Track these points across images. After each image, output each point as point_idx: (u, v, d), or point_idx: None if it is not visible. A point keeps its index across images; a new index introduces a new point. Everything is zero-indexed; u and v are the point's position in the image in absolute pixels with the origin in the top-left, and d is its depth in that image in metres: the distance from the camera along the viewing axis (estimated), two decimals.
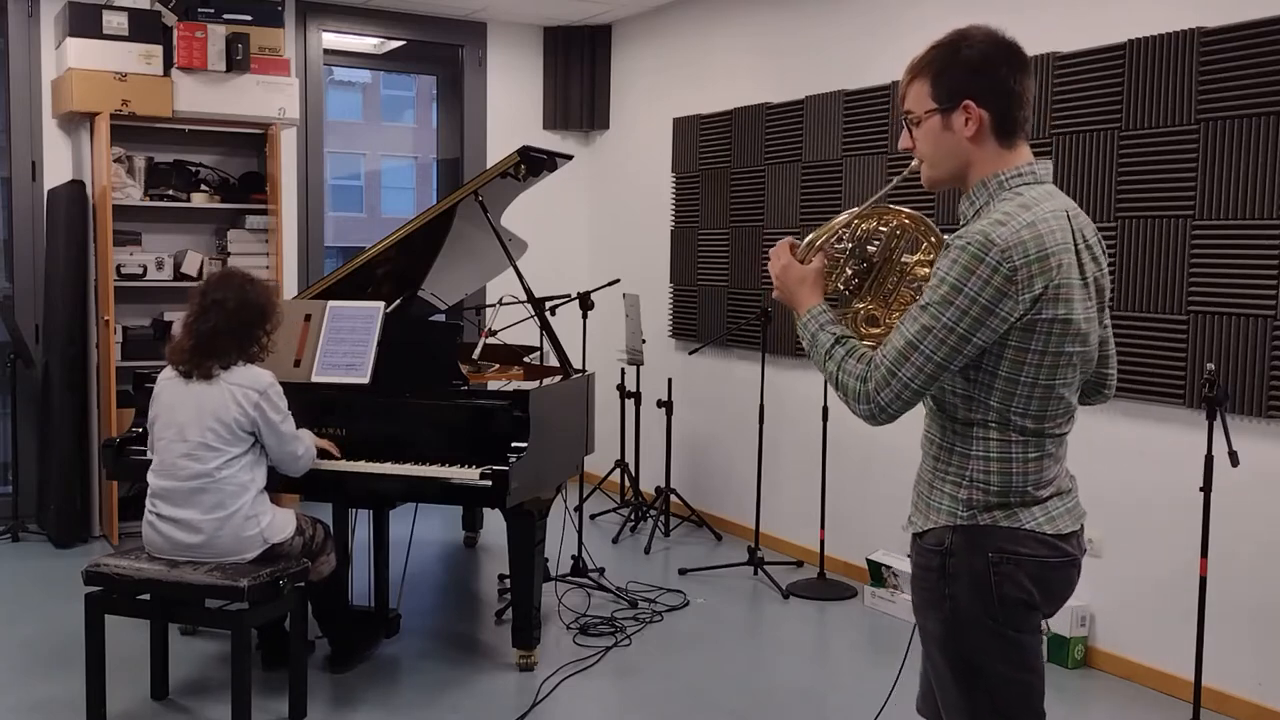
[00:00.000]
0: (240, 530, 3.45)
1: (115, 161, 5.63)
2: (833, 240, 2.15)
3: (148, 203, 5.78)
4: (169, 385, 3.53)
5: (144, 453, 3.99)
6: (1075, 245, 1.96)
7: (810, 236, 2.15)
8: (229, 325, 3.49)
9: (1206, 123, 3.79)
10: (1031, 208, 1.93)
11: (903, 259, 2.16)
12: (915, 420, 2.28)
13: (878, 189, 5.04)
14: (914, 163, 2.10)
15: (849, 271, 2.17)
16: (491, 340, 4.80)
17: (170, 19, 5.62)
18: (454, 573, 5.40)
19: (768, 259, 6.10)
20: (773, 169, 5.67)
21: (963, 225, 2.01)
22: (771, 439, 5.55)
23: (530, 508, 3.97)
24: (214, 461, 3.42)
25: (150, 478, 3.53)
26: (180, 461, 3.44)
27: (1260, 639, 3.73)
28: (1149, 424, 3.97)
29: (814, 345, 2.07)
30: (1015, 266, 1.87)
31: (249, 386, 3.46)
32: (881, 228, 2.16)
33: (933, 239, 2.14)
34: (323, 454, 3.81)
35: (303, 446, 3.62)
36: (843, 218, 2.15)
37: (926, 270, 2.15)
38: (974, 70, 1.98)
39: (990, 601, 1.97)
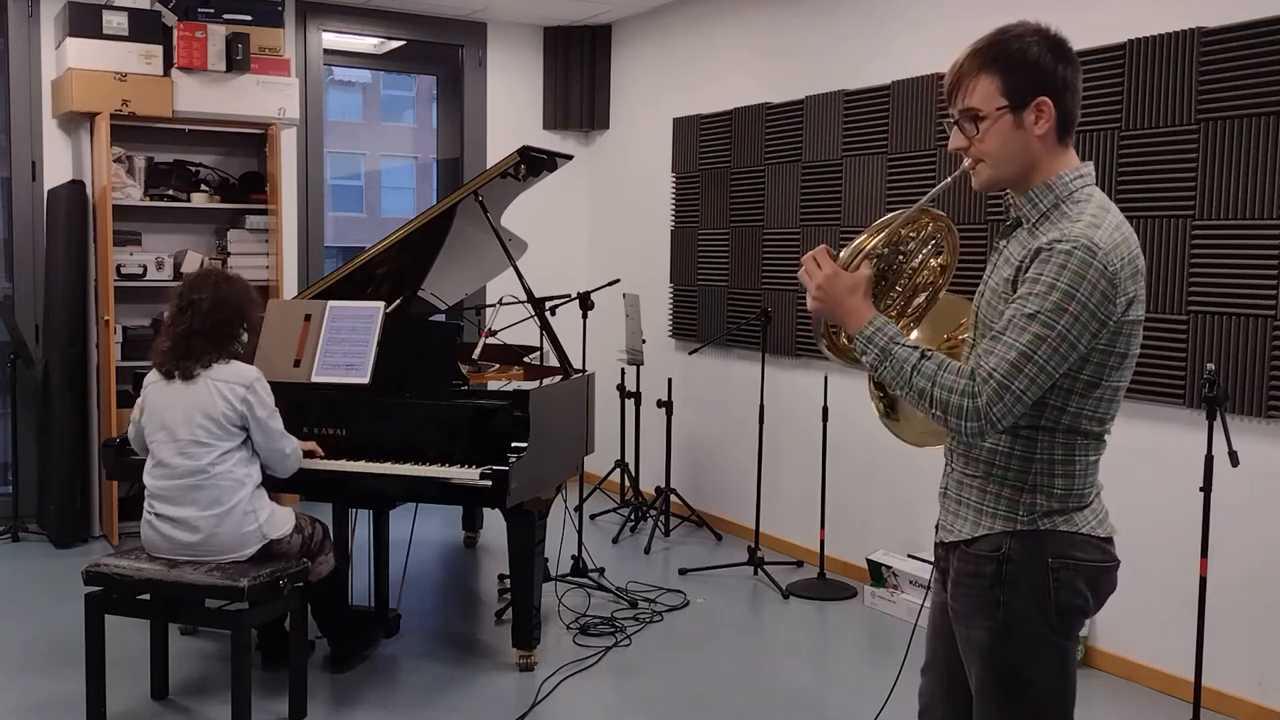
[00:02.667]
0: (239, 526, 3.45)
1: (115, 161, 5.62)
2: (876, 249, 2.05)
3: (148, 203, 5.78)
4: (155, 388, 3.54)
5: None
6: None
7: (858, 241, 2.03)
8: (204, 325, 3.50)
9: (1206, 123, 3.79)
10: (1109, 210, 1.91)
11: (919, 267, 2.11)
12: None
13: (878, 189, 5.04)
14: (966, 163, 2.01)
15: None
16: (491, 340, 4.80)
17: (170, 19, 5.62)
18: (454, 573, 5.40)
19: (768, 258, 6.05)
20: (773, 169, 5.67)
21: (1027, 228, 1.98)
22: (771, 439, 5.54)
23: (530, 508, 3.97)
24: (207, 457, 3.43)
25: (146, 478, 3.54)
26: (174, 460, 3.45)
27: (1260, 639, 3.73)
28: (1149, 424, 3.97)
29: (888, 359, 1.94)
30: (1116, 270, 1.84)
31: (235, 382, 3.46)
32: (912, 234, 2.10)
33: (950, 241, 2.11)
34: (311, 455, 3.81)
35: (290, 445, 3.62)
36: (881, 236, 2.05)
37: (929, 275, 2.12)
38: (1045, 67, 1.92)
39: (1048, 609, 1.93)
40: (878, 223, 2.07)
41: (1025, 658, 1.96)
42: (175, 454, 3.45)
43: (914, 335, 2.15)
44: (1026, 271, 1.88)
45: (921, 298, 2.16)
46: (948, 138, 2.05)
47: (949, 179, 2.10)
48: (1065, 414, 1.92)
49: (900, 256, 2.11)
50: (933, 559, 2.16)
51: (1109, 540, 2.00)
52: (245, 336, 3.63)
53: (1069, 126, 1.97)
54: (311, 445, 3.83)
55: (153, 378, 3.57)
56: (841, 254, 2.04)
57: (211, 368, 3.47)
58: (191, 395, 3.45)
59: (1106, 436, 1.99)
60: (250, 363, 3.62)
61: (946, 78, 2.02)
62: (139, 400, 3.60)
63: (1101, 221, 1.88)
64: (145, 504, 3.53)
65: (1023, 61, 1.92)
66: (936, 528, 2.14)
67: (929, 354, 1.93)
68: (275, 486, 3.72)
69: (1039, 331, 1.83)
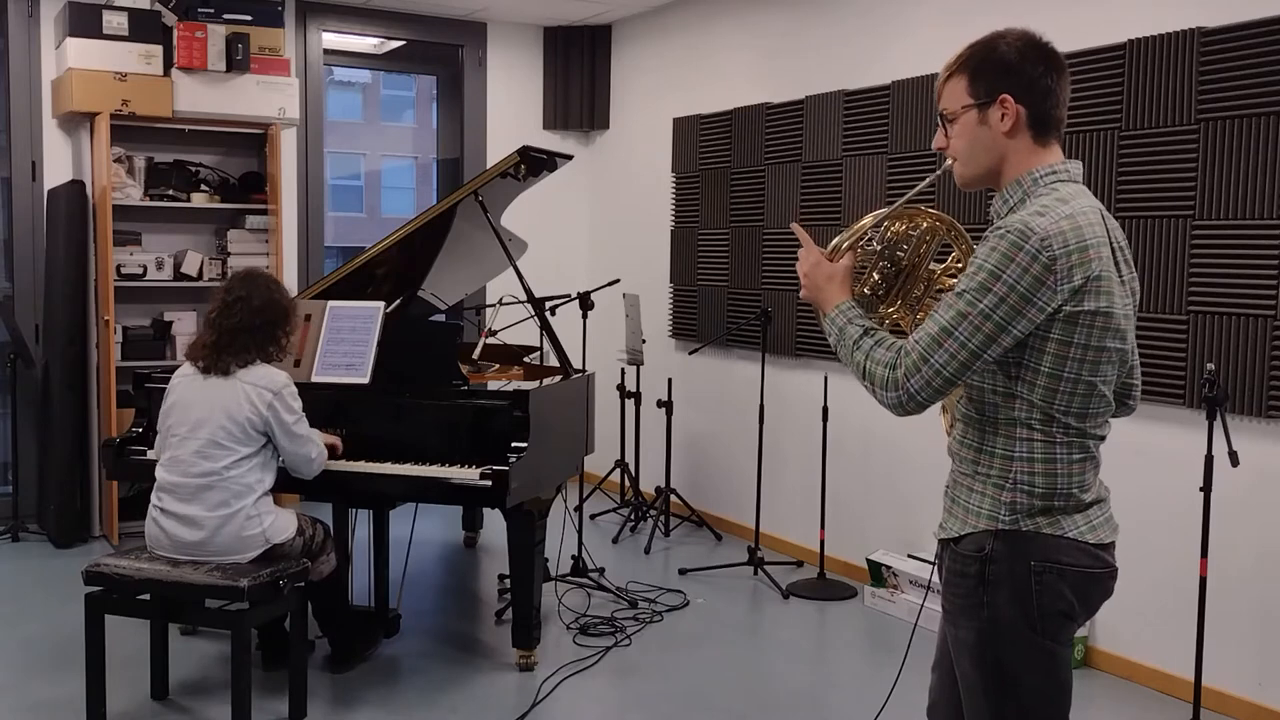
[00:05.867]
0: (242, 529, 3.45)
1: (115, 161, 5.63)
2: (861, 241, 2.12)
3: (148, 203, 5.78)
4: (185, 381, 3.55)
5: (144, 452, 4.02)
6: (1110, 243, 1.95)
7: (836, 240, 2.12)
8: (251, 323, 3.52)
9: (1206, 123, 3.79)
10: (1069, 201, 1.92)
11: (930, 267, 2.13)
12: (920, 421, 2.27)
13: (878, 189, 5.04)
14: (948, 162, 2.07)
15: (876, 277, 2.15)
16: (491, 340, 4.80)
17: (170, 19, 5.62)
18: (454, 573, 5.40)
19: (768, 258, 6.06)
20: (773, 169, 5.67)
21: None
22: (771, 439, 5.54)
23: (530, 508, 3.97)
24: (224, 460, 3.43)
25: (158, 471, 3.54)
26: (191, 458, 3.45)
27: (1260, 639, 3.73)
28: (1149, 424, 3.97)
29: (841, 338, 2.04)
30: (1054, 256, 1.85)
31: (264, 386, 3.47)
32: (911, 231, 2.13)
33: (963, 245, 2.12)
34: (332, 450, 3.82)
35: (316, 449, 3.63)
36: (868, 220, 2.12)
37: (953, 280, 2.14)
38: (1011, 66, 1.97)
39: (1030, 611, 1.94)
40: (867, 215, 2.14)
41: (1012, 659, 1.96)
42: (193, 452, 3.45)
43: None
44: None
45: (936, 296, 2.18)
46: None
47: (930, 177, 2.15)
48: (1036, 406, 1.93)
49: (900, 253, 2.13)
50: (933, 557, 2.17)
51: (1103, 546, 1.99)
52: (284, 341, 3.64)
53: (1046, 125, 1.99)
54: (332, 439, 3.83)
55: (185, 371, 3.58)
56: (831, 243, 2.13)
57: (247, 368, 3.49)
58: (220, 394, 3.46)
59: (1094, 434, 1.99)
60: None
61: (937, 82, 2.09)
62: (167, 391, 3.59)
63: (1049, 211, 1.89)
64: (152, 497, 3.54)
65: (987, 60, 1.99)
66: (938, 525, 2.15)
67: (874, 331, 2.01)
68: (275, 486, 3.72)
69: (962, 308, 1.88)
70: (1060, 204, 1.91)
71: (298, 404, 3.55)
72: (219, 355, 3.50)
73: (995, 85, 1.97)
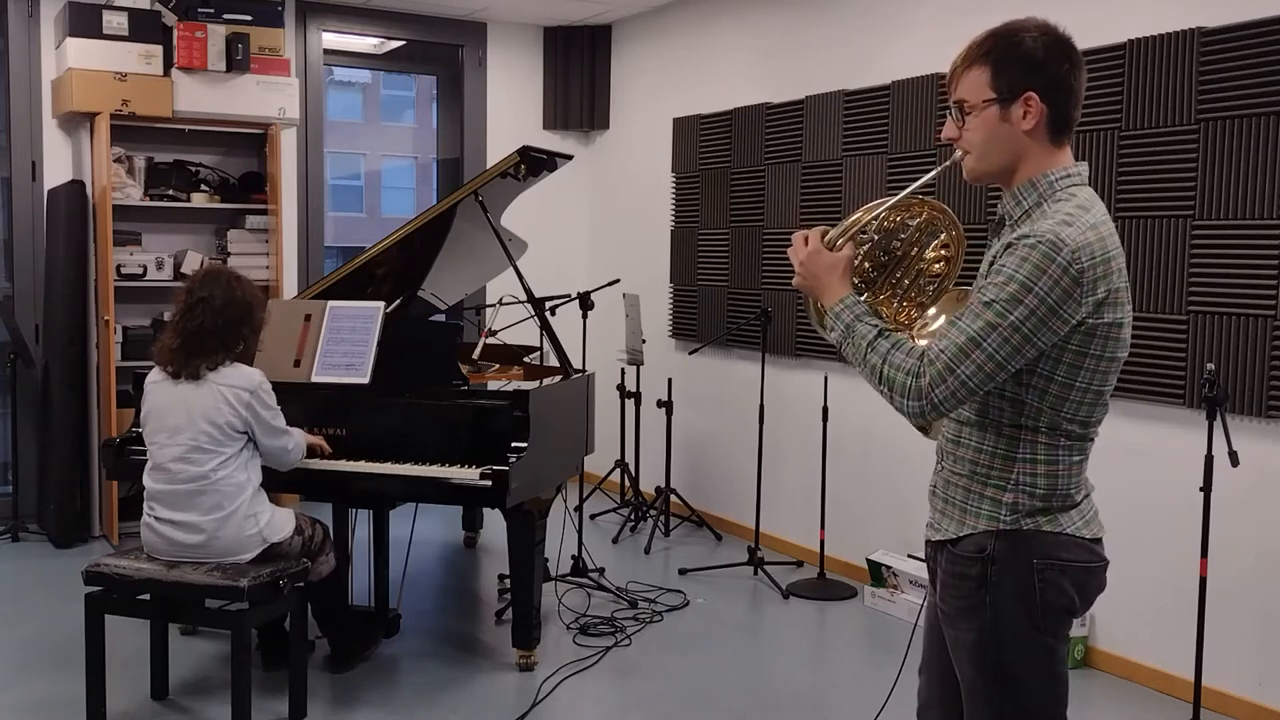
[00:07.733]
0: (240, 529, 3.45)
1: (115, 161, 5.62)
2: (859, 232, 2.08)
3: (148, 203, 5.78)
4: (158, 388, 3.51)
5: (144, 452, 4.00)
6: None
7: (833, 233, 2.07)
8: (215, 323, 3.46)
9: (1206, 123, 3.79)
10: (1089, 209, 1.90)
11: (921, 255, 2.11)
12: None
13: (878, 189, 5.04)
14: (956, 154, 2.02)
15: (867, 265, 2.11)
16: (491, 340, 4.80)
17: (170, 19, 5.62)
18: (454, 573, 5.40)
19: (768, 258, 6.05)
20: (773, 169, 5.67)
21: (1009, 225, 1.98)
22: (771, 439, 5.54)
23: (530, 508, 3.97)
24: (209, 464, 3.42)
25: (146, 480, 3.53)
26: (175, 465, 3.43)
27: (1260, 639, 3.73)
28: (1149, 424, 3.97)
29: (850, 336, 1.99)
30: (1083, 269, 1.83)
31: (240, 387, 3.44)
32: (909, 221, 2.10)
33: (953, 232, 2.10)
34: (319, 450, 3.82)
35: (292, 441, 3.62)
36: (862, 214, 2.07)
37: (940, 266, 2.12)
38: (1037, 62, 1.92)
39: (1034, 610, 1.94)
40: (868, 205, 2.10)
41: (1013, 659, 1.96)
42: (177, 459, 3.43)
43: (933, 328, 2.16)
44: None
45: (931, 287, 2.16)
46: None
47: (939, 168, 2.11)
48: (1044, 414, 1.93)
49: (896, 243, 2.11)
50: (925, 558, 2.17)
51: (1096, 541, 2.00)
52: (252, 339, 3.60)
53: (1063, 126, 1.96)
54: (318, 440, 3.82)
55: (155, 377, 3.54)
56: (830, 233, 2.07)
57: (218, 370, 3.45)
58: (196, 399, 3.43)
59: (1093, 437, 1.99)
60: (250, 364, 3.61)
61: (949, 68, 2.04)
62: (142, 400, 3.57)
63: (1074, 220, 1.87)
64: (145, 506, 3.52)
65: (1014, 55, 1.93)
66: (927, 527, 2.14)
67: (887, 333, 1.96)
68: (275, 486, 3.72)
69: (991, 319, 1.85)
70: (1083, 212, 1.89)
71: (273, 399, 3.53)
72: (187, 359, 3.44)
73: (1020, 81, 1.92)
